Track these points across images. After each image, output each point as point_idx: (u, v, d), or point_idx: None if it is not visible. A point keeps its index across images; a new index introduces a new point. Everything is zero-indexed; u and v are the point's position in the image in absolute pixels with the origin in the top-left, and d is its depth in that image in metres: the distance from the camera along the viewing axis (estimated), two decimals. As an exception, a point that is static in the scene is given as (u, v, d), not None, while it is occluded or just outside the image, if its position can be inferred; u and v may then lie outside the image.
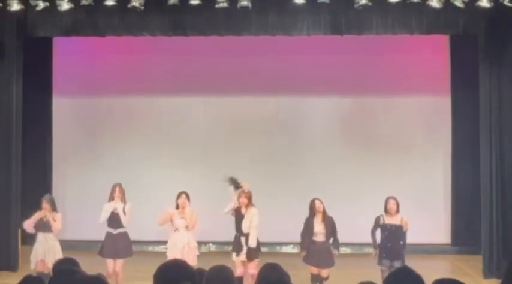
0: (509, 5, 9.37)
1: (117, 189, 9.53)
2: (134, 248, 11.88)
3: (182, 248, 9.35)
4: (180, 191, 9.64)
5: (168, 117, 12.75)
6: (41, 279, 4.19)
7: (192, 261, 9.02)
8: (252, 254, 9.26)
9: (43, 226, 9.36)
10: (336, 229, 9.53)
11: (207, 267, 3.90)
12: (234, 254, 9.39)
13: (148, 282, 3.82)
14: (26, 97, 11.07)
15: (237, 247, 9.37)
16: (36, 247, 9.27)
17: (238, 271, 9.06)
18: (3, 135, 10.59)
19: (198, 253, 9.55)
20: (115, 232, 9.56)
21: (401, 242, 9.11)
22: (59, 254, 9.13)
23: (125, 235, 9.61)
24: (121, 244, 9.53)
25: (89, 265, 4.84)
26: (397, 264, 8.93)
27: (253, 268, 9.05)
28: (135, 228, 11.19)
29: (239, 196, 9.44)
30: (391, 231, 9.14)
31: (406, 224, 9.08)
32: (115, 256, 9.48)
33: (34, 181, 12.43)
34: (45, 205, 9.33)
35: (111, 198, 9.57)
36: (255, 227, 9.29)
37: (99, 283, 3.63)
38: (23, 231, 11.26)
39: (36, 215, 9.20)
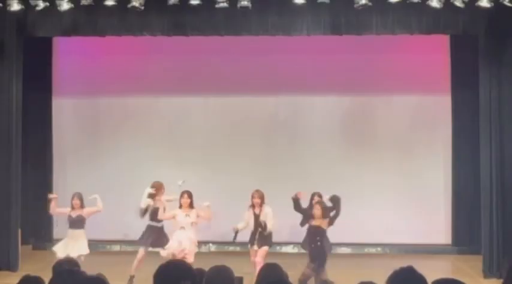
0: (509, 5, 9.36)
1: (162, 187, 10.13)
2: (134, 248, 11.91)
3: (187, 245, 9.69)
4: (183, 191, 9.87)
5: (168, 117, 12.75)
6: (41, 279, 4.19)
7: (192, 257, 9.52)
8: (262, 241, 9.63)
9: (73, 222, 10.08)
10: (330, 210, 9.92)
11: (207, 267, 3.91)
12: (249, 245, 9.76)
13: (148, 282, 3.82)
14: (26, 97, 11.07)
15: (252, 239, 9.71)
16: (64, 241, 10.00)
17: (251, 259, 9.59)
18: (3, 135, 10.58)
19: (197, 250, 9.96)
20: (159, 224, 10.17)
21: (320, 243, 9.29)
22: (85, 250, 9.93)
23: (163, 228, 10.25)
24: (162, 235, 10.17)
25: (89, 265, 4.84)
26: (321, 269, 9.15)
27: (260, 256, 9.47)
28: (135, 228, 11.20)
29: (252, 197, 9.71)
30: (310, 232, 9.41)
31: (325, 224, 9.38)
32: (156, 245, 10.08)
33: (34, 181, 12.44)
34: (75, 201, 10.03)
35: (153, 196, 10.09)
36: (270, 219, 9.68)
37: (99, 283, 3.63)
38: (23, 231, 11.30)
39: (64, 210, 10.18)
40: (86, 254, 9.91)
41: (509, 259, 9.49)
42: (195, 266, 3.89)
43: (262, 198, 9.76)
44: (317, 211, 9.39)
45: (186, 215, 9.82)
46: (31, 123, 11.94)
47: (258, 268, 9.23)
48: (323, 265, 9.27)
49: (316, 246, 9.31)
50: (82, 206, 10.09)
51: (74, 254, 9.34)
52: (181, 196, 9.87)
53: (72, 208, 10.06)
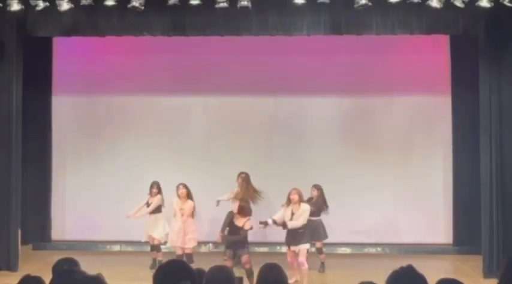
0: (509, 5, 9.35)
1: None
2: (133, 248, 11.92)
3: (178, 232, 10.28)
4: (179, 183, 10.47)
5: (168, 117, 12.75)
6: (41, 279, 4.19)
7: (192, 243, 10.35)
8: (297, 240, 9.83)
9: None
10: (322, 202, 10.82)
11: (207, 267, 3.90)
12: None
13: (148, 282, 3.82)
14: (25, 97, 11.07)
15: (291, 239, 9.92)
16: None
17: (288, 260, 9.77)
18: (3, 135, 10.57)
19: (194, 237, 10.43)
20: None
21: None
22: (157, 234, 10.87)
23: None
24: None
25: (89, 265, 4.84)
26: (240, 252, 9.61)
27: (302, 256, 9.72)
28: (135, 228, 11.21)
29: (290, 193, 9.80)
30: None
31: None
32: None
33: (34, 181, 12.44)
34: (154, 189, 10.93)
35: None
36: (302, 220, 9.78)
37: (99, 283, 3.63)
38: (23, 231, 11.30)
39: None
40: (159, 238, 10.85)
41: (506, 257, 9.46)
42: (195, 266, 3.89)
43: (300, 195, 9.81)
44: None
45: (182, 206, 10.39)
46: (31, 123, 11.93)
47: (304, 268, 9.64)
48: None
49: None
50: (158, 193, 10.88)
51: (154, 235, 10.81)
52: (177, 187, 10.36)
53: (151, 195, 10.92)
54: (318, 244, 10.81)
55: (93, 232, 12.52)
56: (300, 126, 12.59)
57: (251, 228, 9.74)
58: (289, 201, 9.73)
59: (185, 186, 10.39)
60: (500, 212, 10.18)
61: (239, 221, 9.62)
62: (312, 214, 10.19)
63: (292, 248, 9.75)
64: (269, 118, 12.66)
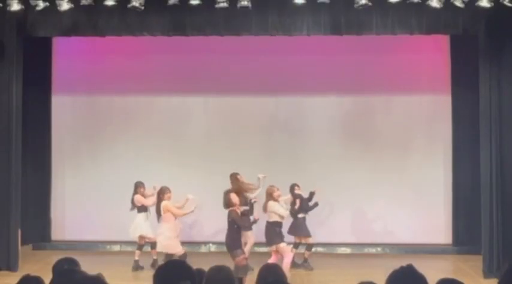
0: (509, 5, 9.35)
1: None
2: (133, 248, 11.92)
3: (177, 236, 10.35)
4: (166, 187, 10.38)
5: (168, 116, 12.76)
6: (40, 279, 4.19)
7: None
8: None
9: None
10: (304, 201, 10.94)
11: (207, 267, 3.91)
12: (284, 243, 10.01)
13: (148, 282, 3.82)
14: (25, 97, 11.08)
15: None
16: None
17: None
18: (3, 135, 10.57)
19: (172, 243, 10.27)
20: None
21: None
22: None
23: None
24: None
25: (89, 265, 4.84)
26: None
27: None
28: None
29: (276, 189, 10.21)
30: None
31: None
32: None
33: (34, 181, 12.44)
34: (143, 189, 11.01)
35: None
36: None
37: (99, 283, 3.63)
38: (23, 231, 11.30)
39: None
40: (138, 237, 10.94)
41: (508, 261, 9.47)
42: (195, 266, 3.89)
43: None
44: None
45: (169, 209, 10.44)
46: (31, 123, 11.94)
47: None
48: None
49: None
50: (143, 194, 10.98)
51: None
52: (165, 192, 10.30)
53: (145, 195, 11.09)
54: (306, 240, 10.93)
55: (93, 232, 12.52)
56: (300, 126, 12.60)
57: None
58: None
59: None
60: (500, 212, 10.18)
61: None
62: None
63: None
64: (269, 118, 12.67)
